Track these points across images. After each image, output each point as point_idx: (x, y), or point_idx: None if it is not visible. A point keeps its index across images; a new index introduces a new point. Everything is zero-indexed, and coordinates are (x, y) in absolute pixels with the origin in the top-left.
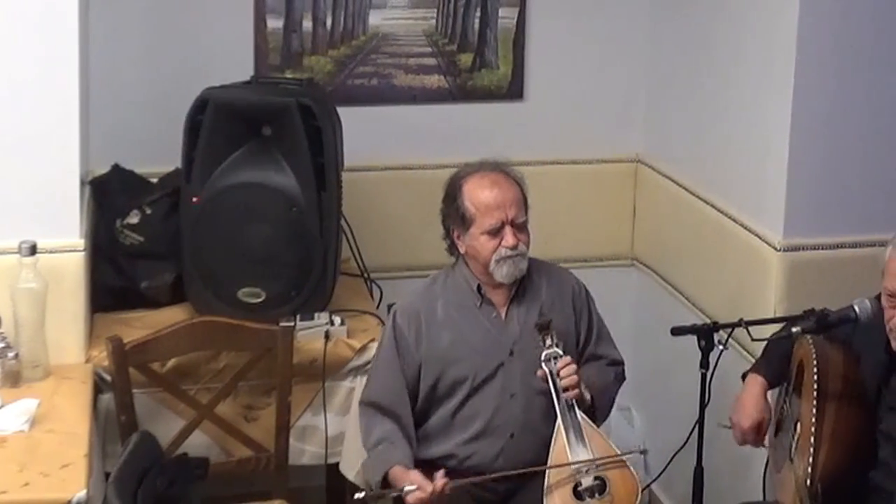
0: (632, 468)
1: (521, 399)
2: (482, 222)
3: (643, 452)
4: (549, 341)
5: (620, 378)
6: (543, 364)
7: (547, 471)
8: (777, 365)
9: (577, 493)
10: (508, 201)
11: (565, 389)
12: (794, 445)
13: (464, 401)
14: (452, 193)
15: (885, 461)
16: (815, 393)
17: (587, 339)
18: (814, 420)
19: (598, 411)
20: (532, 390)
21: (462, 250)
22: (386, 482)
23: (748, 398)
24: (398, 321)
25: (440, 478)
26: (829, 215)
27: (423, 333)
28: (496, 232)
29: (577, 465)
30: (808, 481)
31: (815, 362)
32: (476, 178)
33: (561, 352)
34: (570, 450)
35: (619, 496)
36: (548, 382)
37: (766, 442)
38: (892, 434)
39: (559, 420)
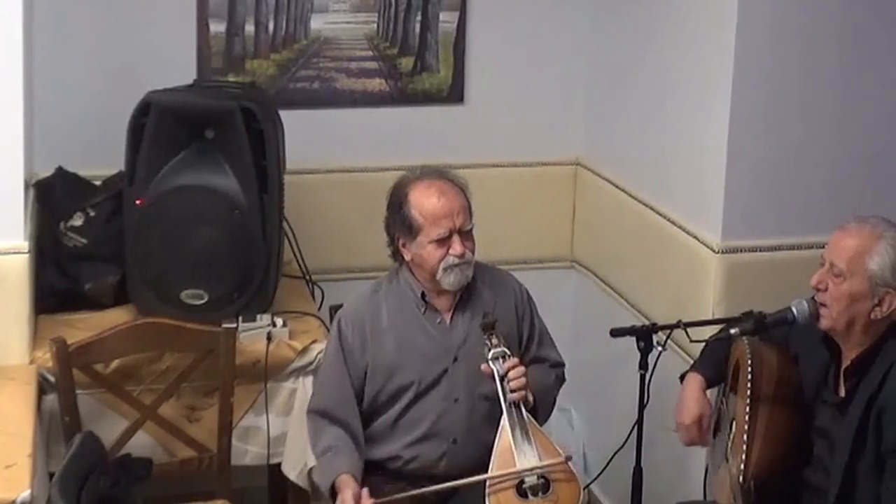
0: (575, 471)
1: (465, 404)
2: (430, 231)
3: (567, 459)
4: (495, 340)
5: (561, 379)
6: (491, 362)
7: (490, 467)
8: (714, 364)
9: (520, 491)
10: (455, 210)
11: (513, 391)
12: (729, 445)
13: (408, 406)
14: (397, 202)
15: (819, 457)
16: (748, 394)
17: (529, 342)
18: (747, 419)
19: (539, 412)
20: (476, 395)
21: (407, 258)
22: (334, 490)
23: (687, 395)
24: (343, 328)
25: (366, 498)
26: (767, 218)
27: (368, 340)
28: (444, 241)
29: (518, 470)
30: (742, 478)
31: (749, 364)
32: (421, 186)
33: (508, 351)
34: (515, 448)
35: (563, 496)
36: (494, 379)
37: (710, 439)
38: (825, 428)
39: (505, 418)
